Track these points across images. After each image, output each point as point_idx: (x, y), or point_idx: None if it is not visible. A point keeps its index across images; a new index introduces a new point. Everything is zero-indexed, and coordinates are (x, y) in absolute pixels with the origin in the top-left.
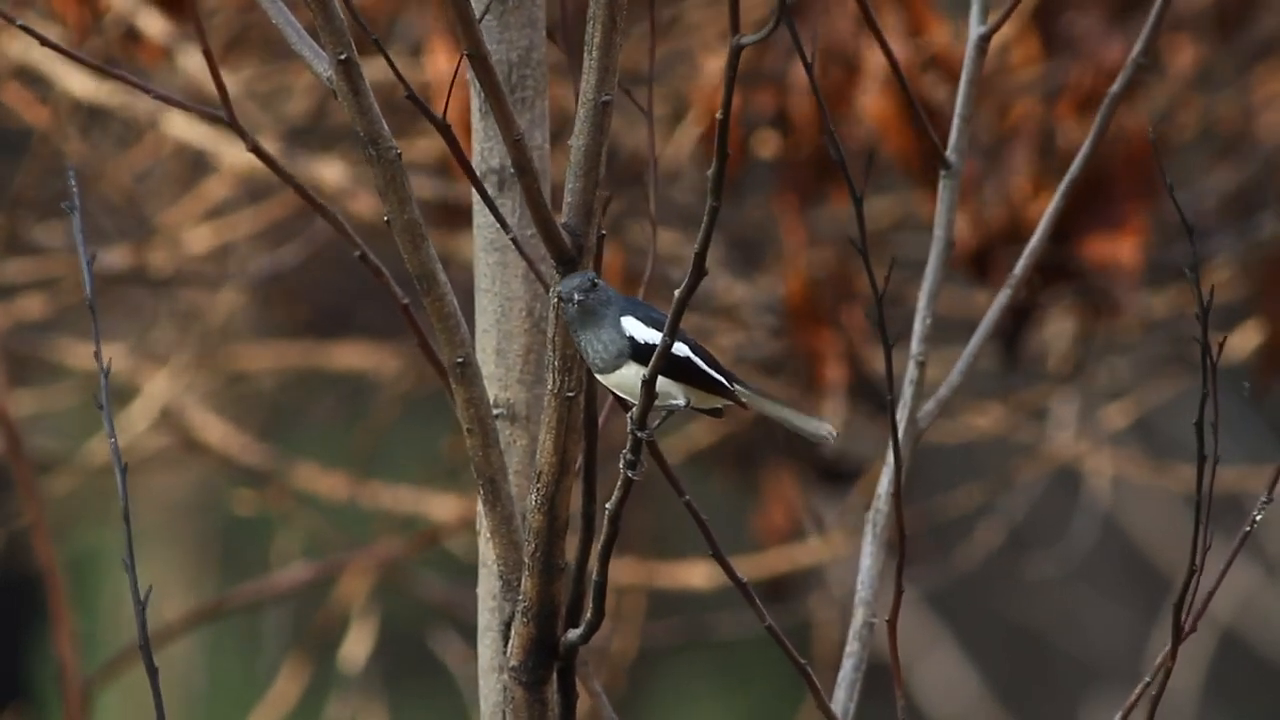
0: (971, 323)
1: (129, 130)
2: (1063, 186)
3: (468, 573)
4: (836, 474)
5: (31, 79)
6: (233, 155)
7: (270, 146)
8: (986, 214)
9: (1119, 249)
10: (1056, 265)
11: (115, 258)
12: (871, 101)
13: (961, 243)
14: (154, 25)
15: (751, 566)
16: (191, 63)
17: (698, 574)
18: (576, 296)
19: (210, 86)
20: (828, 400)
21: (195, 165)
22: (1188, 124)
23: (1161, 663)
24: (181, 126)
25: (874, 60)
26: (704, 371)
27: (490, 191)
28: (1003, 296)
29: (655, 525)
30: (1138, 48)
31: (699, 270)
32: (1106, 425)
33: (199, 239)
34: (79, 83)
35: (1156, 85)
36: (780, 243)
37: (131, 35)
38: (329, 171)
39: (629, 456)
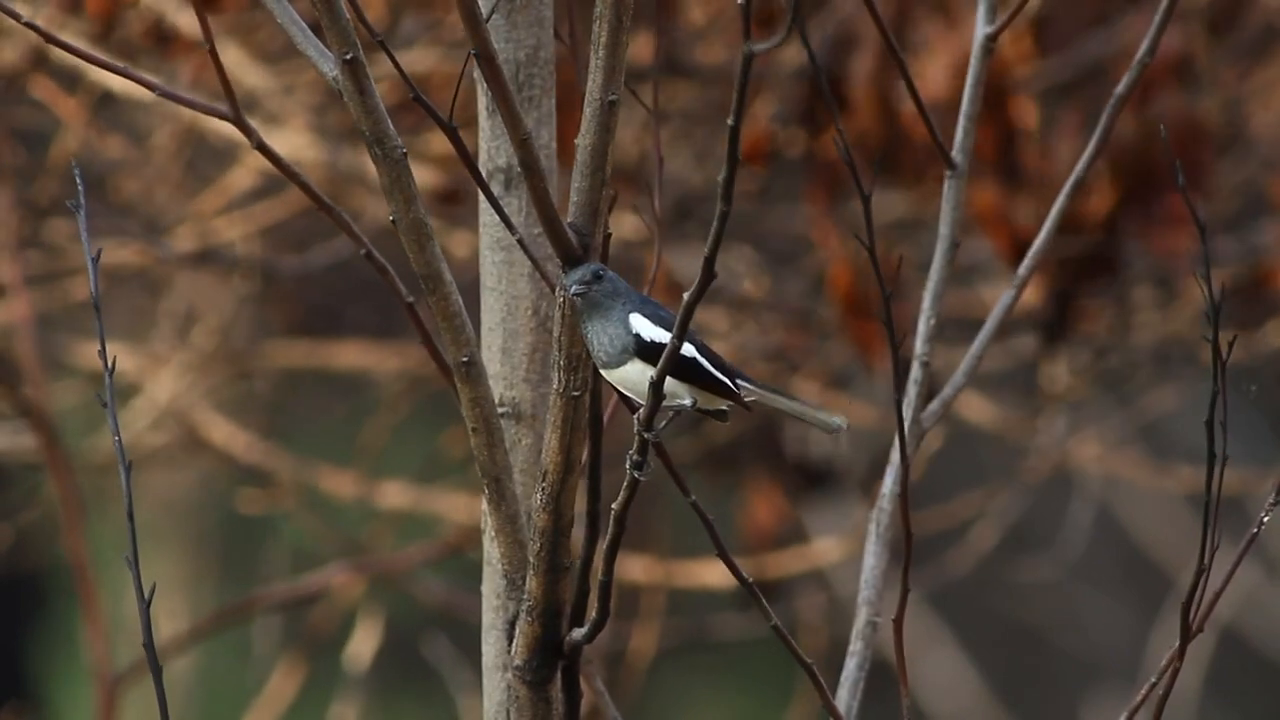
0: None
1: (156, 121)
2: (1067, 187)
3: (468, 572)
4: (815, 476)
5: (62, 76)
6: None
7: (300, 137)
8: (1026, 203)
9: (1176, 239)
10: (1102, 257)
11: (128, 253)
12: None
13: (1004, 237)
14: (186, 21)
15: (750, 567)
16: (225, 58)
17: (714, 573)
18: (576, 288)
19: (244, 78)
20: (878, 388)
21: (207, 161)
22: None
23: (1168, 663)
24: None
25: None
26: (710, 373)
27: (497, 190)
28: (1007, 297)
29: (671, 524)
30: (1144, 47)
31: (708, 273)
32: (1105, 424)
33: (213, 232)
34: (108, 74)
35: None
36: (805, 236)
37: (161, 33)
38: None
39: (635, 457)
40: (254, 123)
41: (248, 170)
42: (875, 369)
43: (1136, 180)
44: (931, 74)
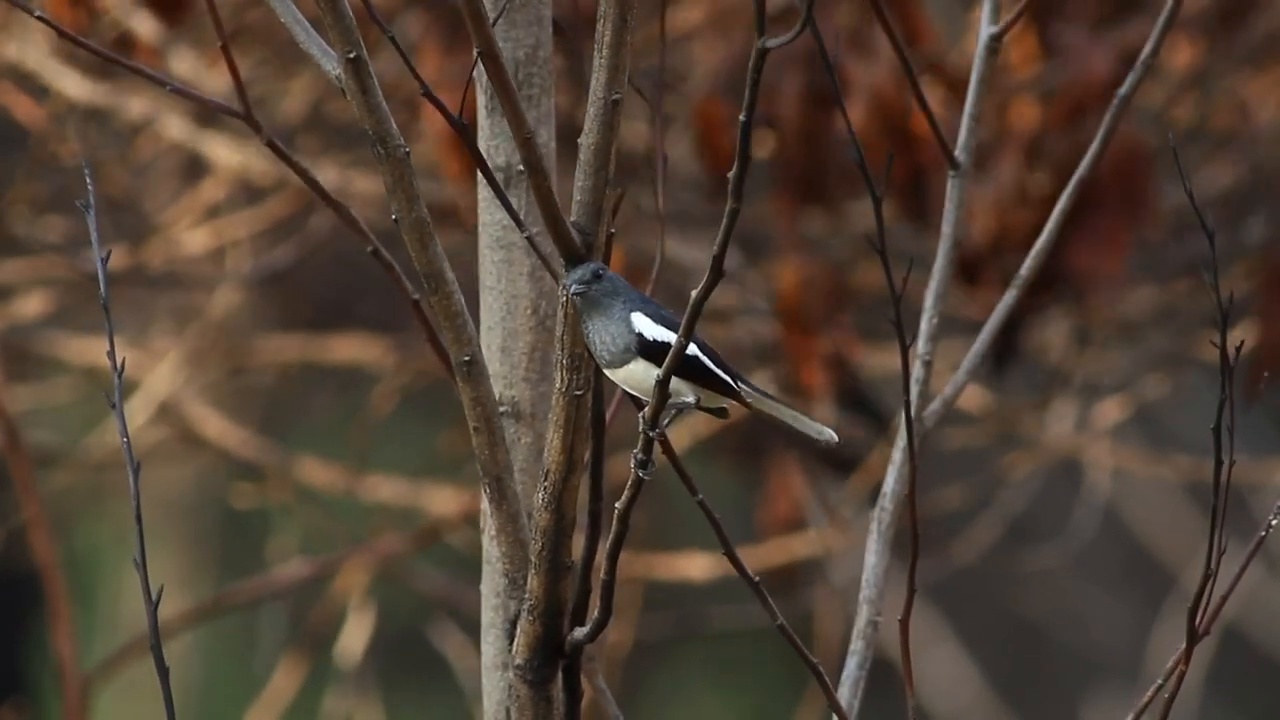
0: (964, 321)
1: (124, 131)
2: (1072, 185)
3: (466, 566)
4: (838, 462)
5: (27, 80)
6: (225, 156)
7: (262, 149)
8: (974, 221)
9: (1104, 260)
10: (1044, 271)
11: (113, 258)
12: (856, 119)
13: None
14: (146, 28)
15: (755, 559)
16: (182, 65)
17: (695, 566)
18: (576, 287)
19: (201, 86)
20: (814, 404)
21: (190, 166)
22: (1183, 121)
23: (1174, 665)
24: (176, 127)
25: (860, 76)
26: (713, 371)
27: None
28: (1009, 297)
29: (654, 517)
30: (1147, 49)
31: (717, 271)
32: (1105, 419)
33: (195, 240)
34: (74, 84)
35: (1152, 85)
36: (776, 241)
37: (125, 39)
38: (325, 174)
39: (640, 456)
40: (220, 135)
41: (218, 181)
42: (809, 386)
43: (1076, 200)
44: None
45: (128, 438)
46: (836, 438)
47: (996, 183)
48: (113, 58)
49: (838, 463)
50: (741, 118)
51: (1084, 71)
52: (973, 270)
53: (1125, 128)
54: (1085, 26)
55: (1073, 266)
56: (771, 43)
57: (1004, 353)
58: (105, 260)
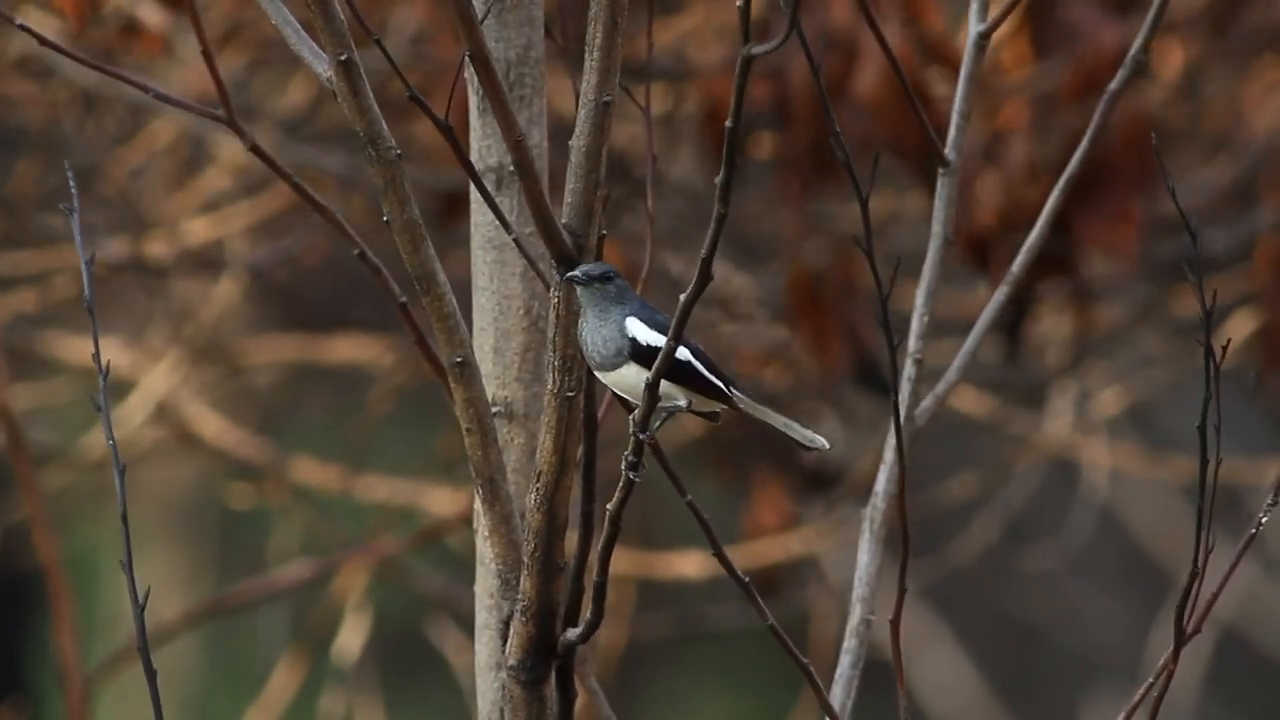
0: (965, 319)
1: (128, 120)
2: (1060, 184)
3: (464, 566)
4: (819, 479)
5: (34, 68)
6: (231, 146)
7: (265, 138)
8: (984, 203)
9: (1116, 237)
10: (1054, 255)
11: (114, 250)
12: (867, 87)
13: (960, 233)
14: (152, 16)
15: (738, 561)
16: (191, 54)
17: (690, 564)
18: (581, 279)
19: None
20: (831, 386)
21: (192, 158)
22: (1178, 123)
23: (1164, 665)
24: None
25: (872, 45)
26: (704, 376)
27: (488, 189)
28: (1000, 293)
29: (645, 516)
30: (1137, 44)
31: (705, 276)
32: (1102, 415)
33: (195, 231)
34: (79, 71)
35: (1148, 86)
36: (779, 235)
37: (130, 27)
38: (330, 160)
39: (630, 458)
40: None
41: (221, 171)
42: (828, 366)
43: (1082, 176)
44: (863, 78)
45: (113, 440)
46: (828, 445)
47: (1005, 159)
48: (94, 65)
49: (818, 479)
50: (728, 124)
51: (1094, 44)
52: (982, 251)
53: (1136, 104)
54: (1097, 6)
55: (1085, 245)
56: (757, 50)
57: (1013, 338)
58: (90, 263)
